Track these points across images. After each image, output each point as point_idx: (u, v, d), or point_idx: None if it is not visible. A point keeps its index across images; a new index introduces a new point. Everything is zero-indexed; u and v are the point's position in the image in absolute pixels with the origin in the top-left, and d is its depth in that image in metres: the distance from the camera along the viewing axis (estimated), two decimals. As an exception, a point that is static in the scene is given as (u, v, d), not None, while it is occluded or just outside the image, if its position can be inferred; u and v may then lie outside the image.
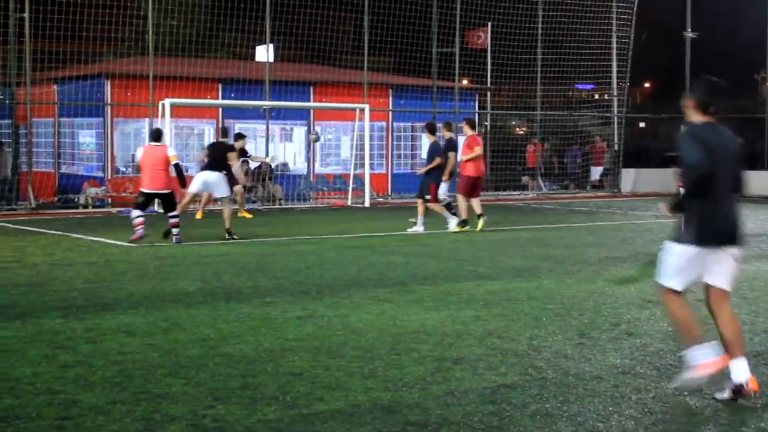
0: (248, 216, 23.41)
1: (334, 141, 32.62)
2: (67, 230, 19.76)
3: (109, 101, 28.40)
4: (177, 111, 26.33)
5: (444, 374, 7.86)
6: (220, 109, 30.00)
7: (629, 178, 36.54)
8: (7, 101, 27.25)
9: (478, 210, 19.95)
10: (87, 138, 30.73)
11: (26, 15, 25.31)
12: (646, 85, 57.75)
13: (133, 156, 26.56)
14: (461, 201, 19.98)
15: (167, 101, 25.30)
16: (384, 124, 32.91)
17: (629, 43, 36.21)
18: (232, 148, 19.58)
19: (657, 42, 45.20)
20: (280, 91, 29.86)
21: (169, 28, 31.91)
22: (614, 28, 36.10)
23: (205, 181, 18.84)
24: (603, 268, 14.54)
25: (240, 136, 24.05)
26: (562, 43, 34.36)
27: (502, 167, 35.80)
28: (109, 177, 28.27)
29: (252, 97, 29.17)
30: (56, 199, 27.06)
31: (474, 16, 33.60)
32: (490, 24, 35.08)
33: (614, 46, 36.29)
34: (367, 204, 27.47)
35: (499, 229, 21.06)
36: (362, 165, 28.77)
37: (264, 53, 30.09)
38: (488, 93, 36.99)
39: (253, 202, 27.86)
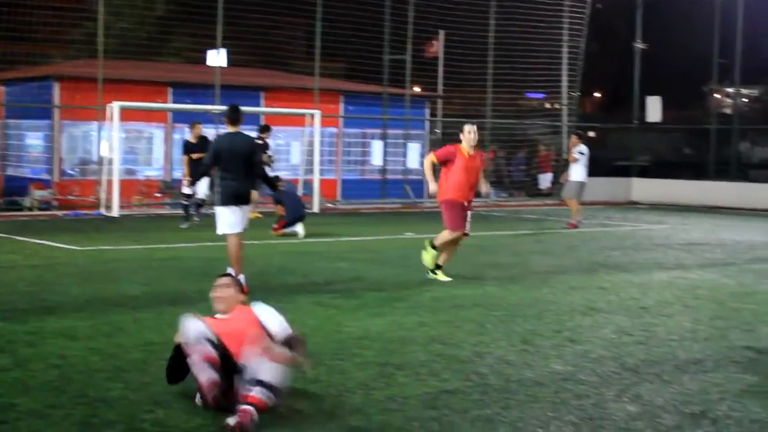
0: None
1: (284, 146, 32.49)
2: (11, 232, 19.48)
3: (57, 103, 28.13)
4: (126, 114, 26.09)
5: (387, 380, 7.87)
6: (170, 113, 29.79)
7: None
8: (-47, 102, 26.98)
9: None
10: (34, 140, 30.39)
11: (-27, 15, 25.05)
12: (597, 95, 58.05)
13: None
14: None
15: (116, 104, 25.10)
16: (335, 130, 32.88)
17: (580, 53, 36.43)
18: None
19: (608, 53, 45.53)
20: (231, 96, 29.62)
21: (120, 31, 31.71)
22: (565, 38, 36.30)
23: None
24: (548, 276, 14.63)
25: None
26: (514, 51, 34.48)
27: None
28: (56, 179, 27.99)
29: (203, 101, 28.98)
30: (1, 201, 26.69)
31: (426, 23, 33.67)
32: (442, 32, 35.19)
33: (565, 55, 36.50)
34: (316, 210, 27.35)
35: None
36: (312, 171, 28.69)
37: (215, 58, 29.94)
38: (439, 100, 37.09)
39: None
